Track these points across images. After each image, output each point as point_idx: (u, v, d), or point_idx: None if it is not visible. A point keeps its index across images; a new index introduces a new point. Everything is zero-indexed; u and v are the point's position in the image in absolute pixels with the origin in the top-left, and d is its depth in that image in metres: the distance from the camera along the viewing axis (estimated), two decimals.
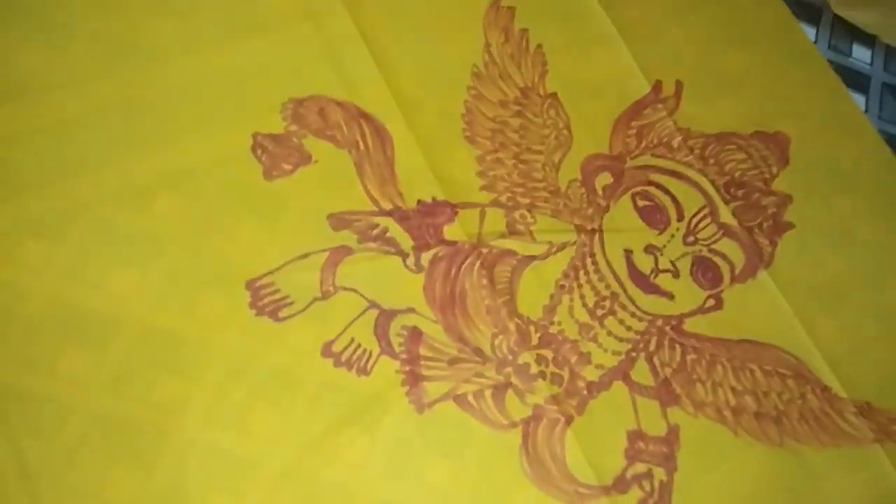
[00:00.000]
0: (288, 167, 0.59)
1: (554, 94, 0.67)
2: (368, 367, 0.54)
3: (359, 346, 0.55)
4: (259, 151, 0.59)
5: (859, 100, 0.75)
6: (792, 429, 0.59)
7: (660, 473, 0.56)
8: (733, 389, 0.60)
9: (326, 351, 0.54)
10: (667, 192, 0.65)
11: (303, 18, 0.64)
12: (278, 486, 0.50)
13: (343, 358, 0.54)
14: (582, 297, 0.60)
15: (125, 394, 0.50)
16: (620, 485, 0.55)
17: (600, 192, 0.64)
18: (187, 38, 0.61)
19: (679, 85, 0.70)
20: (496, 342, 0.57)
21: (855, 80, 0.76)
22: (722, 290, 0.63)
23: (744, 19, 0.75)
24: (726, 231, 0.65)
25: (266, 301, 0.55)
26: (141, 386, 0.51)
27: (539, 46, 0.68)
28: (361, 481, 0.51)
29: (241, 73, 0.61)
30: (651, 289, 0.62)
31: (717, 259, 0.64)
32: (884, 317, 0.65)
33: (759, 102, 0.71)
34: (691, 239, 0.64)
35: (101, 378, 0.50)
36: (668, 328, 0.61)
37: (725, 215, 0.65)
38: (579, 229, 0.62)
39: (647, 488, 0.55)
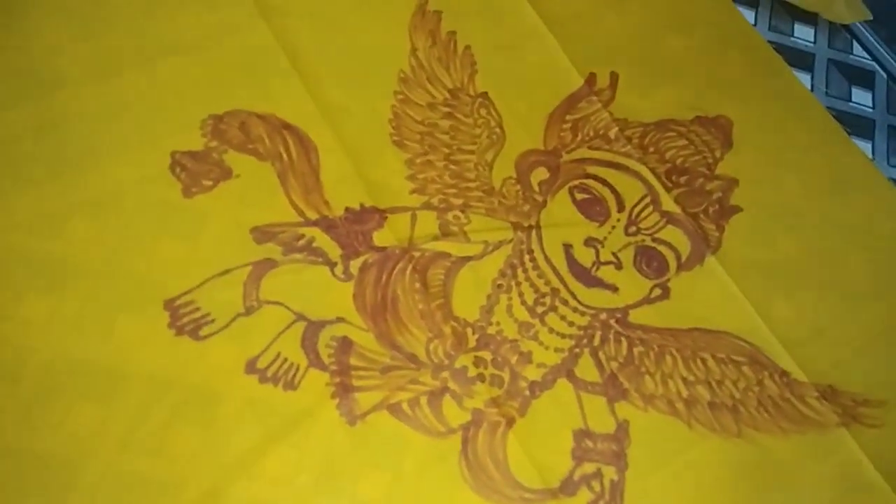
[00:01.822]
0: (208, 183, 0.57)
1: (484, 94, 0.66)
2: (296, 381, 0.52)
3: (285, 360, 0.53)
4: (178, 169, 0.57)
5: (804, 78, 0.73)
6: (750, 417, 0.57)
7: (610, 472, 0.53)
8: (685, 380, 0.57)
9: (251, 368, 0.52)
10: (605, 183, 0.63)
11: (221, 35, 0.63)
12: None
13: (269, 374, 0.52)
14: (521, 295, 0.58)
15: (38, 425, 0.48)
16: (568, 487, 0.52)
17: (536, 188, 0.63)
18: (104, 62, 0.61)
19: (614, 76, 0.69)
20: (431, 347, 0.55)
21: (799, 58, 0.75)
22: (668, 279, 0.61)
23: (679, 5, 0.74)
24: (670, 219, 0.63)
25: (186, 320, 0.53)
26: (54, 416, 0.49)
27: (468, 47, 0.67)
28: (289, 499, 0.49)
29: (159, 92, 0.60)
30: (593, 282, 0.60)
31: (661, 248, 0.62)
32: (842, 296, 0.63)
33: (698, 88, 0.70)
34: (633, 229, 0.62)
35: (12, 411, 0.48)
36: (612, 321, 0.58)
37: (668, 203, 0.63)
38: (516, 226, 0.61)
39: (597, 489, 0.52)
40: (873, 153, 0.71)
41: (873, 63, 0.76)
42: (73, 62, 0.60)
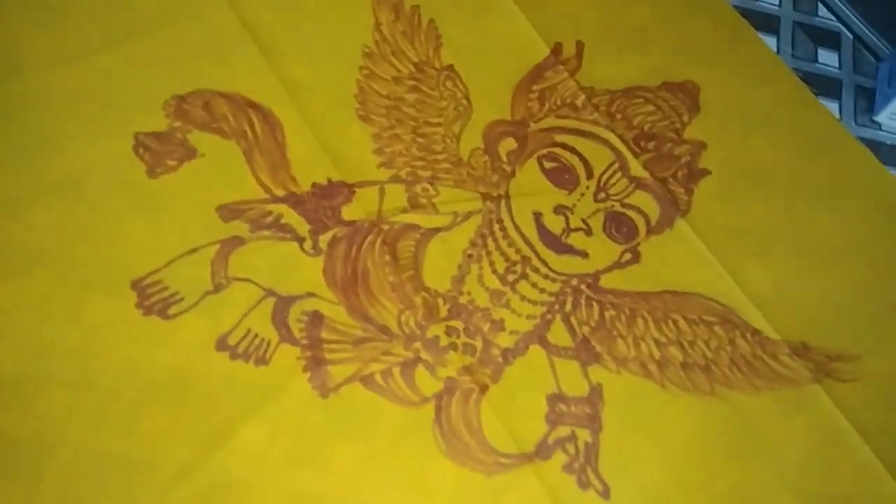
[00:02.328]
0: (173, 163, 0.57)
1: (450, 66, 0.65)
2: (267, 356, 0.52)
3: (256, 335, 0.53)
4: (141, 150, 0.57)
5: (770, 41, 0.73)
6: (723, 376, 0.57)
7: (584, 435, 0.53)
8: (657, 342, 0.57)
9: (221, 344, 0.52)
10: (574, 151, 0.63)
11: (183, 16, 0.63)
12: (173, 486, 0.47)
13: (240, 350, 0.52)
14: (492, 264, 0.58)
15: (7, 408, 0.48)
16: (543, 451, 0.52)
17: (505, 159, 0.63)
18: (63, 46, 0.60)
19: (580, 45, 0.69)
20: (402, 318, 0.55)
21: (764, 22, 0.75)
22: (638, 244, 0.61)
23: None
24: (638, 184, 0.63)
25: (154, 300, 0.53)
26: (24, 399, 0.48)
27: (431, 21, 0.67)
28: (262, 474, 0.49)
29: (121, 75, 0.60)
30: (563, 249, 0.60)
31: (630, 213, 0.62)
32: (811, 254, 0.63)
33: (664, 54, 0.70)
34: (602, 195, 0.62)
35: None
36: (583, 286, 0.58)
37: (636, 169, 0.63)
38: (485, 197, 0.61)
39: (572, 451, 0.53)
40: (840, 113, 0.71)
41: (838, 24, 0.76)
42: (33, 48, 0.60)
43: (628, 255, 0.60)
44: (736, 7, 0.74)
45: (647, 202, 0.62)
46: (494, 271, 0.58)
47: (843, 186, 0.67)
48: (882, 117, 0.70)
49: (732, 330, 0.58)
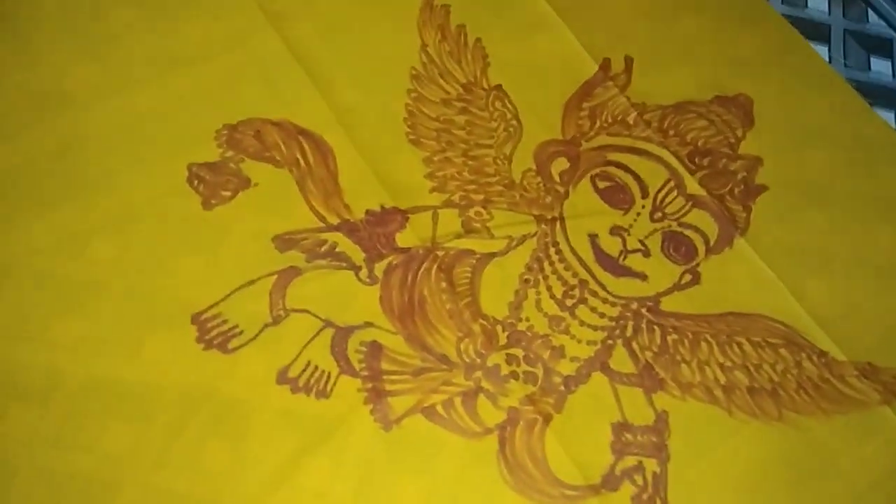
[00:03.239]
0: (227, 194, 0.57)
1: (499, 86, 0.65)
2: (328, 389, 0.52)
3: (316, 368, 0.52)
4: (195, 182, 0.57)
5: (822, 50, 0.72)
6: (790, 400, 0.56)
7: (651, 465, 0.52)
8: (722, 366, 0.56)
9: (282, 377, 0.52)
10: (627, 170, 0.62)
11: (230, 45, 0.63)
12: None
13: (300, 383, 0.52)
14: (549, 288, 0.57)
15: (71, 446, 0.48)
16: (610, 482, 0.51)
17: (557, 179, 0.62)
18: (113, 79, 0.60)
19: (629, 60, 0.67)
20: (462, 347, 0.54)
21: (815, 31, 0.73)
22: (698, 264, 0.60)
23: None
24: (695, 202, 0.62)
25: (214, 333, 0.52)
26: (88, 437, 0.48)
27: (478, 40, 0.66)
28: None
29: (171, 106, 0.60)
30: (621, 271, 0.58)
31: (688, 232, 0.61)
32: (874, 271, 0.61)
33: (715, 67, 0.69)
34: (659, 215, 0.61)
35: (44, 434, 0.48)
36: (644, 310, 0.57)
37: (692, 186, 0.62)
38: (539, 219, 0.60)
39: (640, 482, 0.52)
40: None
41: (890, 30, 0.74)
42: (81, 82, 0.60)
43: (688, 277, 0.59)
44: (784, 16, 0.73)
45: (704, 221, 0.61)
46: (552, 296, 0.57)
47: None
48: None
49: (798, 352, 0.57)
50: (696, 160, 0.63)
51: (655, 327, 0.57)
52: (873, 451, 0.55)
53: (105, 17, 0.63)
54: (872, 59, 0.73)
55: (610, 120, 0.64)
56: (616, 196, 0.61)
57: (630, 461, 0.52)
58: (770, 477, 0.53)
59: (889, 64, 0.73)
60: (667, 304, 0.58)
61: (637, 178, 0.62)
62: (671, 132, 0.64)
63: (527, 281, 0.57)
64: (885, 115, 0.69)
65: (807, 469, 0.54)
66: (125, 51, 0.62)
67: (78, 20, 0.63)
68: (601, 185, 0.62)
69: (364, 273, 0.56)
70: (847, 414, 0.56)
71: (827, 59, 0.72)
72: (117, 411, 0.50)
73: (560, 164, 0.62)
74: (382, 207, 0.58)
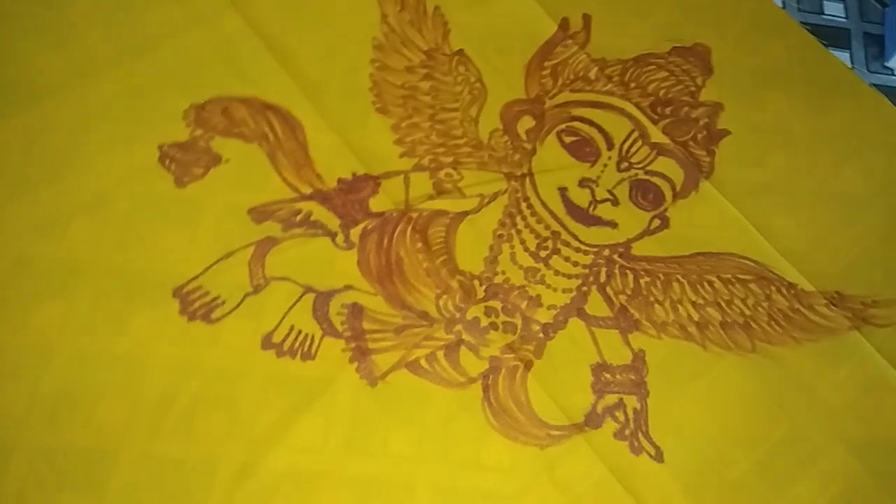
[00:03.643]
0: (199, 171, 0.58)
1: (461, 51, 0.66)
2: (313, 351, 0.53)
3: (300, 332, 0.53)
4: (167, 161, 0.58)
5: None
6: (763, 332, 0.57)
7: (632, 401, 0.54)
8: (694, 304, 0.58)
9: (267, 343, 0.53)
10: (592, 123, 0.64)
11: (192, 26, 0.63)
12: (236, 486, 0.48)
13: (285, 347, 0.53)
14: (522, 242, 0.59)
15: (66, 423, 0.49)
16: (593, 420, 0.53)
17: (524, 137, 0.63)
18: (78, 66, 0.61)
19: (587, 17, 0.69)
20: (441, 303, 0.55)
21: None
22: (666, 209, 0.61)
23: None
24: (660, 150, 0.63)
25: (197, 305, 0.53)
26: (81, 413, 0.49)
27: (437, 8, 0.67)
28: (322, 464, 0.50)
29: (138, 89, 0.60)
30: (592, 221, 0.60)
31: (655, 179, 0.62)
32: (838, 204, 0.63)
33: (672, 19, 0.70)
34: (625, 165, 0.62)
35: (38, 412, 0.49)
36: (616, 256, 0.59)
37: (656, 135, 0.64)
38: (509, 176, 0.61)
39: (622, 418, 0.53)
40: (852, 62, 0.71)
41: None
42: (49, 71, 0.60)
43: (657, 222, 0.60)
44: None
45: (670, 167, 0.62)
46: (526, 249, 0.58)
47: (862, 134, 0.67)
48: (893, 62, 0.70)
49: (768, 286, 0.59)
50: (659, 110, 0.65)
51: (628, 271, 0.58)
52: (846, 374, 0.57)
53: (63, 6, 0.64)
54: (825, 2, 0.74)
55: (572, 77, 0.66)
56: (582, 149, 0.63)
57: (611, 399, 0.54)
58: (746, 405, 0.55)
59: (842, 6, 0.75)
60: (638, 249, 0.59)
61: (602, 130, 0.63)
62: (632, 85, 0.66)
63: (500, 236, 0.59)
64: (841, 55, 0.71)
65: (782, 396, 0.55)
66: (90, 39, 0.62)
67: (38, 12, 0.63)
68: (567, 139, 0.63)
69: (340, 239, 0.57)
70: (818, 341, 0.58)
71: (781, 4, 0.73)
72: (109, 386, 0.51)
73: (526, 123, 0.63)
74: (354, 175, 0.59)
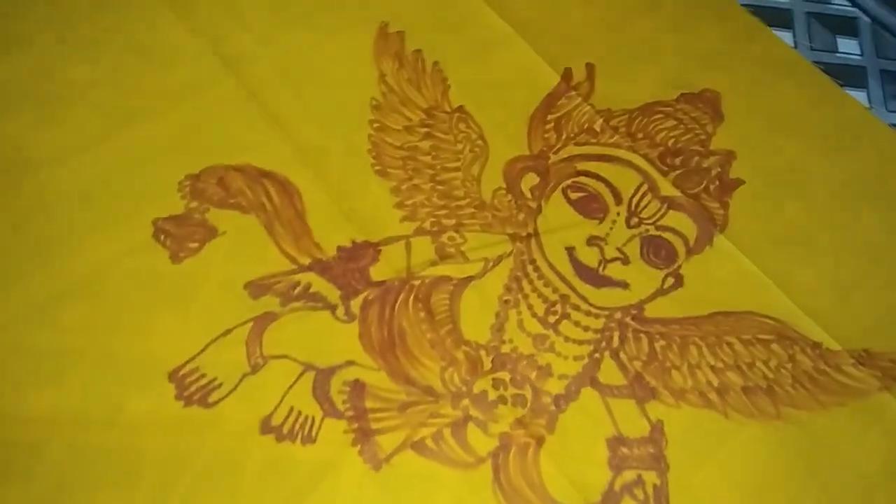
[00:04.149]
0: (194, 245, 0.56)
1: (461, 108, 0.64)
2: (313, 434, 0.51)
3: (300, 413, 0.51)
4: (162, 236, 0.56)
5: (786, 36, 0.71)
6: (787, 396, 0.54)
7: (651, 477, 0.51)
8: (713, 368, 0.55)
9: (266, 427, 0.51)
10: (599, 178, 0.62)
11: (187, 93, 0.62)
12: None
13: (285, 430, 0.51)
14: (530, 307, 0.56)
15: None
16: (610, 499, 0.50)
17: (529, 195, 0.61)
18: (72, 140, 0.60)
19: (590, 67, 0.67)
20: (446, 376, 0.53)
21: (776, 17, 0.72)
22: (679, 266, 0.59)
23: None
24: (671, 204, 0.61)
25: (193, 389, 0.51)
26: None
27: (436, 63, 0.66)
28: None
29: (132, 161, 0.59)
30: (602, 282, 0.58)
31: (667, 235, 0.60)
32: (861, 254, 0.60)
33: (678, 65, 0.68)
34: (635, 220, 0.60)
35: None
36: (628, 319, 0.56)
37: (666, 188, 0.61)
38: (514, 238, 0.59)
39: (641, 496, 0.50)
40: (870, 101, 0.68)
41: (854, 9, 0.74)
42: (41, 147, 0.59)
43: (671, 280, 0.58)
44: (744, 6, 0.72)
45: (682, 222, 0.60)
46: (534, 314, 0.56)
47: (883, 177, 0.64)
48: None
49: (791, 346, 0.56)
50: (668, 161, 0.62)
51: (642, 335, 0.56)
52: (877, 438, 0.54)
53: (61, 78, 0.63)
54: (839, 40, 0.72)
55: (576, 130, 0.64)
56: (589, 206, 0.60)
57: (629, 476, 0.51)
58: (773, 476, 0.52)
59: (856, 43, 0.72)
60: (651, 311, 0.57)
61: (609, 185, 0.61)
62: (640, 135, 0.64)
63: (507, 302, 0.56)
64: (858, 94, 0.69)
65: (810, 464, 0.52)
66: (83, 111, 0.61)
67: (33, 85, 0.62)
68: (573, 196, 0.61)
69: (341, 311, 0.55)
70: (846, 404, 0.55)
71: (792, 44, 0.71)
72: (104, 478, 0.49)
73: (530, 180, 0.61)
74: (354, 242, 0.57)
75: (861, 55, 0.71)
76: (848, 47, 0.71)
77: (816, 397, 0.54)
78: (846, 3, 0.74)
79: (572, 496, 0.50)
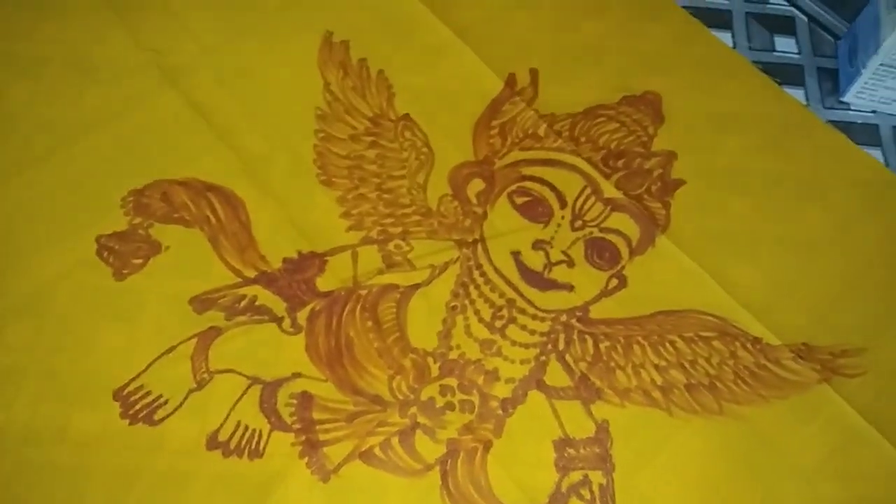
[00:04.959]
0: (138, 262, 0.56)
1: (406, 116, 0.64)
2: (261, 447, 0.51)
3: (247, 428, 0.51)
4: (105, 253, 0.56)
5: (725, 37, 0.72)
6: (729, 392, 0.55)
7: (597, 477, 0.52)
8: (657, 367, 0.56)
9: (212, 443, 0.51)
10: (543, 182, 0.62)
11: (130, 107, 0.62)
12: None
13: (231, 445, 0.51)
14: (477, 312, 0.57)
15: None
16: (557, 500, 0.51)
17: (475, 201, 0.61)
18: (15, 158, 0.59)
19: (534, 72, 0.68)
20: (394, 384, 0.54)
21: (716, 18, 0.74)
22: (623, 267, 0.60)
23: None
24: (614, 205, 0.62)
25: (138, 407, 0.51)
26: None
27: (381, 72, 0.66)
28: None
29: (75, 178, 0.59)
30: (548, 285, 0.58)
31: (610, 236, 0.60)
32: (801, 251, 0.61)
33: (620, 68, 0.69)
34: (579, 223, 0.61)
35: None
36: (574, 321, 0.57)
37: (609, 190, 0.62)
38: (460, 244, 0.59)
39: (587, 496, 0.51)
40: (807, 99, 0.70)
41: (791, 8, 0.75)
42: None
43: (615, 281, 0.59)
44: (685, 8, 0.73)
45: (625, 223, 0.61)
46: (481, 320, 0.57)
47: (821, 174, 0.65)
48: (849, 97, 0.69)
49: (732, 342, 0.57)
50: (611, 163, 0.63)
51: (587, 336, 0.57)
52: (818, 430, 0.55)
53: (3, 96, 0.63)
54: (776, 39, 0.73)
55: (521, 135, 0.64)
56: (535, 210, 0.61)
57: (575, 476, 0.52)
58: (717, 471, 0.53)
59: (793, 41, 0.74)
60: (596, 312, 0.58)
61: (554, 189, 0.62)
62: (583, 139, 0.64)
63: (454, 308, 0.57)
64: (796, 92, 0.70)
65: (752, 458, 0.53)
66: (25, 128, 0.61)
67: None
68: (518, 200, 0.61)
69: (287, 323, 0.55)
70: (787, 398, 0.56)
71: (731, 44, 0.72)
72: (52, 497, 0.49)
73: (476, 186, 0.62)
74: (300, 253, 0.58)
75: (799, 53, 0.72)
76: (785, 45, 0.73)
77: (758, 392, 0.56)
78: (783, 3, 0.75)
79: (519, 499, 0.51)
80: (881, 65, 0.65)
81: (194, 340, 0.53)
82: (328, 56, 0.66)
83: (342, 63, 0.66)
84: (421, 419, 0.53)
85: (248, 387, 0.52)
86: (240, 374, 0.53)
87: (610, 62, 0.69)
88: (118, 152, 0.60)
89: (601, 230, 0.61)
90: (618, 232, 0.61)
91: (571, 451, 0.52)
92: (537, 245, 0.60)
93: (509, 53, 0.68)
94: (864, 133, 0.68)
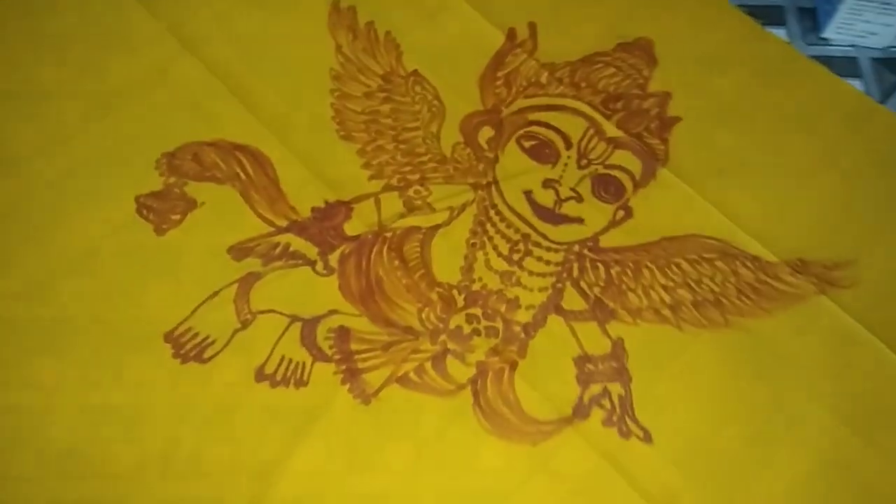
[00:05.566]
0: (176, 217, 0.60)
1: (415, 72, 0.68)
2: (305, 377, 0.55)
3: (291, 360, 0.55)
4: (145, 211, 0.60)
5: None
6: (733, 306, 0.60)
7: (616, 388, 0.56)
8: (665, 287, 0.60)
9: (260, 376, 0.55)
10: (549, 126, 0.66)
11: (154, 77, 0.66)
12: None
13: (278, 377, 0.55)
14: (495, 247, 0.61)
15: (76, 476, 0.51)
16: (580, 411, 0.55)
17: (486, 147, 0.65)
18: (49, 131, 0.63)
19: (532, 25, 0.71)
20: (423, 316, 0.58)
21: None
22: (628, 199, 0.64)
23: None
24: (616, 144, 0.66)
25: (188, 347, 0.55)
26: (90, 465, 0.51)
27: (388, 33, 0.70)
28: (327, 486, 0.52)
29: (110, 146, 0.62)
30: (559, 219, 0.62)
31: (615, 172, 0.65)
32: (791, 175, 0.66)
33: (614, 18, 0.73)
34: (585, 162, 0.65)
35: (47, 469, 0.51)
36: (585, 251, 0.61)
37: (611, 130, 0.66)
38: (475, 186, 0.63)
39: (608, 406, 0.55)
40: (789, 37, 0.74)
41: None
42: (20, 141, 0.62)
43: (621, 213, 0.63)
44: None
45: (628, 159, 0.65)
46: (499, 254, 0.61)
47: (806, 105, 0.69)
48: (828, 33, 0.73)
49: (733, 261, 0.61)
50: (611, 105, 0.67)
51: (599, 264, 0.61)
52: (817, 338, 0.59)
53: (36, 78, 0.66)
54: None
55: (524, 84, 0.68)
56: (542, 152, 0.65)
57: (595, 389, 0.56)
58: (727, 380, 0.57)
59: None
60: (605, 241, 0.62)
61: (559, 132, 0.66)
62: (583, 84, 0.68)
63: (473, 245, 0.61)
64: (778, 32, 0.74)
65: (758, 364, 0.58)
66: (55, 103, 0.64)
67: (5, 85, 0.65)
68: (527, 144, 0.65)
69: (320, 266, 0.59)
70: (787, 309, 0.60)
71: None
72: (113, 436, 0.52)
73: (486, 133, 0.66)
74: (327, 203, 0.61)
75: None
76: None
77: (760, 305, 0.60)
78: None
79: (547, 410, 0.55)
80: (856, 0, 0.70)
81: (235, 285, 0.57)
82: (337, 20, 0.70)
83: (351, 27, 0.70)
84: (451, 345, 0.57)
85: (289, 324, 0.56)
86: (280, 313, 0.57)
87: (603, 14, 0.73)
88: (148, 121, 0.64)
89: (606, 167, 0.65)
90: (621, 168, 0.65)
91: (591, 366, 0.57)
92: (547, 184, 0.64)
93: (507, 9, 0.72)
94: (844, 66, 0.72)
